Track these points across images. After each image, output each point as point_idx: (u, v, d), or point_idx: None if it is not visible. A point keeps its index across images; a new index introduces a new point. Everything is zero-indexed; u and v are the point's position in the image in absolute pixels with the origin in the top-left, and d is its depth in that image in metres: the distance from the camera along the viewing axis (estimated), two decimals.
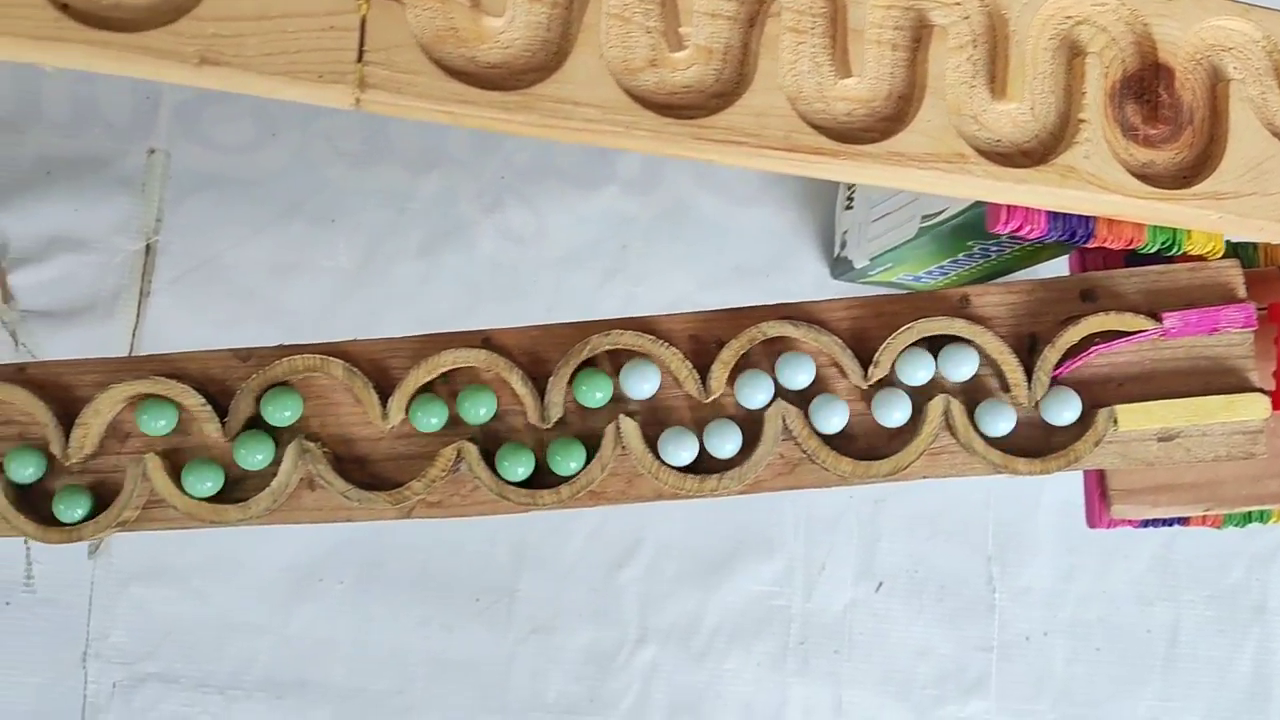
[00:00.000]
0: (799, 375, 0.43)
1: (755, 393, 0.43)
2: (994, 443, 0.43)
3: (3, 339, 0.60)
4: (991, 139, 0.39)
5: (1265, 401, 0.42)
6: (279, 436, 0.43)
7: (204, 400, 0.43)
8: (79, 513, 0.43)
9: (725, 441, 0.42)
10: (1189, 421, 0.43)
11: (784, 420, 0.43)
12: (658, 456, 0.43)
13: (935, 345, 0.43)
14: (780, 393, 0.43)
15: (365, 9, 0.33)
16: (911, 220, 0.51)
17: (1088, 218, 0.42)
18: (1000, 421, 0.42)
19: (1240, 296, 0.43)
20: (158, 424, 0.43)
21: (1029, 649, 0.63)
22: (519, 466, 0.43)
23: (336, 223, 0.62)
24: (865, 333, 0.44)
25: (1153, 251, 0.43)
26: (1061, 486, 0.63)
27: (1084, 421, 0.43)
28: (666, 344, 0.43)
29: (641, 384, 0.43)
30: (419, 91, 0.34)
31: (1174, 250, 0.43)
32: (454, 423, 0.43)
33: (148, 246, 0.61)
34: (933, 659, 0.62)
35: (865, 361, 0.43)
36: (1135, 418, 0.43)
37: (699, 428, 0.43)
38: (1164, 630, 0.64)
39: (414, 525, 0.58)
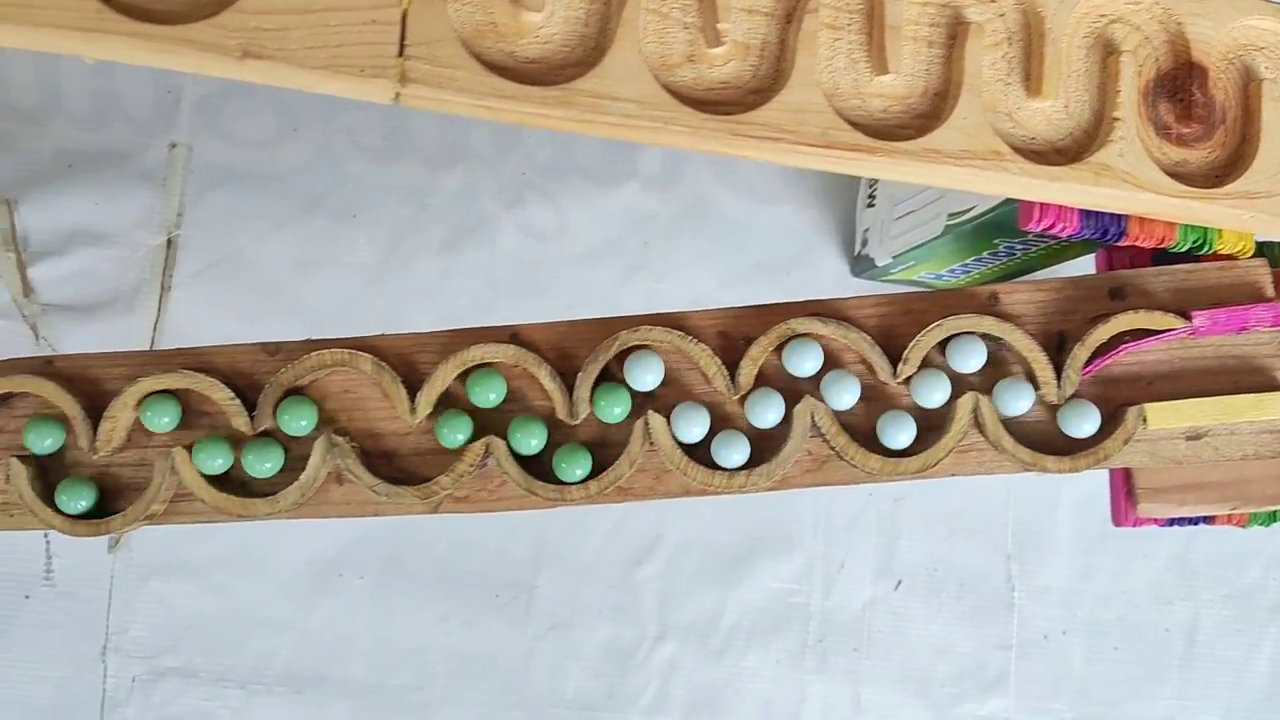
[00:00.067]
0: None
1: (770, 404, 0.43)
2: (1023, 440, 0.43)
3: (23, 333, 0.60)
4: (1026, 136, 0.39)
5: None
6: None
7: (232, 394, 0.43)
8: (82, 504, 0.43)
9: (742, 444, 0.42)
10: (1217, 420, 0.43)
11: (812, 417, 0.43)
12: (686, 452, 0.43)
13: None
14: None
15: (407, 3, 0.33)
16: (937, 218, 0.51)
17: (1120, 216, 0.42)
18: (1020, 401, 0.42)
19: (1269, 296, 0.43)
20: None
21: (1048, 648, 0.63)
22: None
23: (358, 218, 0.62)
24: (893, 330, 0.44)
25: (1183, 250, 0.43)
26: (1081, 485, 0.63)
27: (1113, 420, 0.43)
28: (695, 340, 0.43)
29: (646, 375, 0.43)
30: (459, 86, 0.34)
31: (1204, 249, 0.43)
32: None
33: (169, 241, 0.61)
34: (951, 657, 0.62)
35: (893, 358, 0.43)
36: (1164, 416, 0.43)
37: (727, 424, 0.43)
38: (1182, 629, 0.64)
39: (434, 521, 0.58)
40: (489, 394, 0.43)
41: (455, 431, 0.42)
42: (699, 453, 0.43)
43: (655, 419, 0.42)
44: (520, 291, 0.62)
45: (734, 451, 0.43)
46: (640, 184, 0.63)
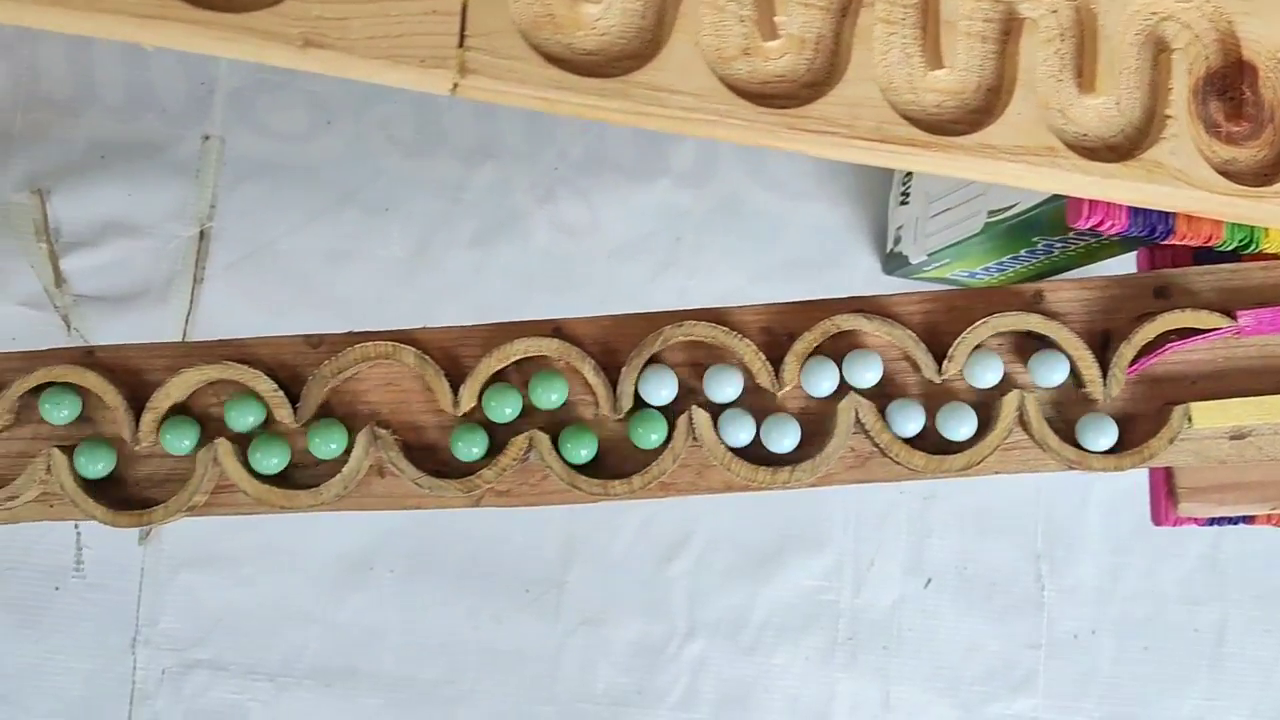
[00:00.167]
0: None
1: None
2: (1067, 438, 0.43)
3: (55, 323, 0.60)
4: (1078, 133, 0.39)
5: None
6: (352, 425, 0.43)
7: (275, 386, 0.43)
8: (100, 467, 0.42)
9: (784, 437, 0.42)
10: (1262, 419, 0.43)
11: (856, 413, 0.43)
12: (730, 448, 0.43)
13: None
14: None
15: None
16: (976, 215, 0.51)
17: (1167, 214, 0.42)
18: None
19: None
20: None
21: (1077, 647, 0.63)
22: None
23: (390, 211, 0.62)
24: (936, 327, 0.44)
25: (1229, 249, 0.43)
26: (1110, 484, 0.63)
27: (1158, 418, 0.43)
28: (740, 336, 0.43)
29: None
30: (518, 77, 0.34)
31: (1251, 248, 0.43)
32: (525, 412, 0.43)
33: (201, 233, 0.61)
34: (981, 656, 0.62)
35: (937, 356, 0.43)
36: (1209, 415, 0.43)
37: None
38: (1211, 629, 0.64)
39: (464, 515, 0.58)
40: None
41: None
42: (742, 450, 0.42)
43: (699, 414, 0.42)
44: (552, 286, 0.62)
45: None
46: (672, 180, 0.63)
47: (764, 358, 0.43)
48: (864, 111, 0.36)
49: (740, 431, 0.42)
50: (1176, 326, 0.42)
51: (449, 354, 0.44)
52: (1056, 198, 0.45)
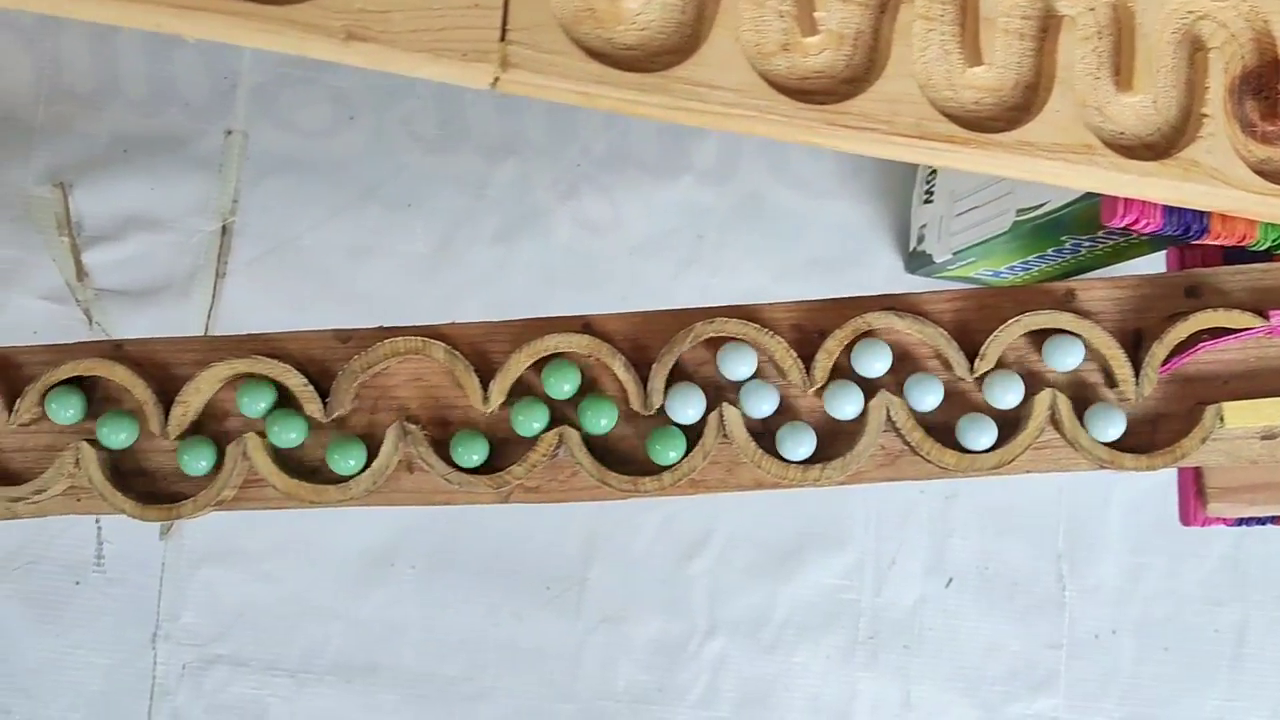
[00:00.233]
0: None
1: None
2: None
3: (77, 317, 0.60)
4: (1115, 131, 0.39)
5: None
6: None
7: (306, 380, 0.43)
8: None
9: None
10: None
11: (888, 411, 0.43)
12: (761, 446, 0.42)
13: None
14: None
15: None
16: (1004, 214, 0.51)
17: (1202, 213, 0.42)
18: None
19: None
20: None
21: (1097, 647, 0.63)
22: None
23: (413, 208, 0.62)
24: (967, 325, 0.43)
25: (1263, 249, 0.43)
26: (1132, 485, 0.63)
27: (1190, 418, 0.43)
28: (771, 333, 0.43)
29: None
30: (559, 72, 0.34)
31: None
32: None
33: (224, 227, 0.61)
34: (1002, 656, 0.62)
35: (968, 354, 0.43)
36: (1241, 415, 0.42)
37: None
38: (1231, 630, 0.64)
39: (485, 512, 0.58)
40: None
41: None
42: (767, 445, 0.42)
43: (730, 411, 0.42)
44: (574, 283, 0.62)
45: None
46: (695, 177, 0.63)
47: (795, 355, 0.43)
48: (903, 108, 0.36)
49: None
50: (1208, 326, 0.42)
51: (478, 349, 0.44)
52: (1088, 196, 0.45)
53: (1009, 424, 0.43)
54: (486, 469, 0.42)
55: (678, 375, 0.43)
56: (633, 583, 0.61)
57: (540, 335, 0.43)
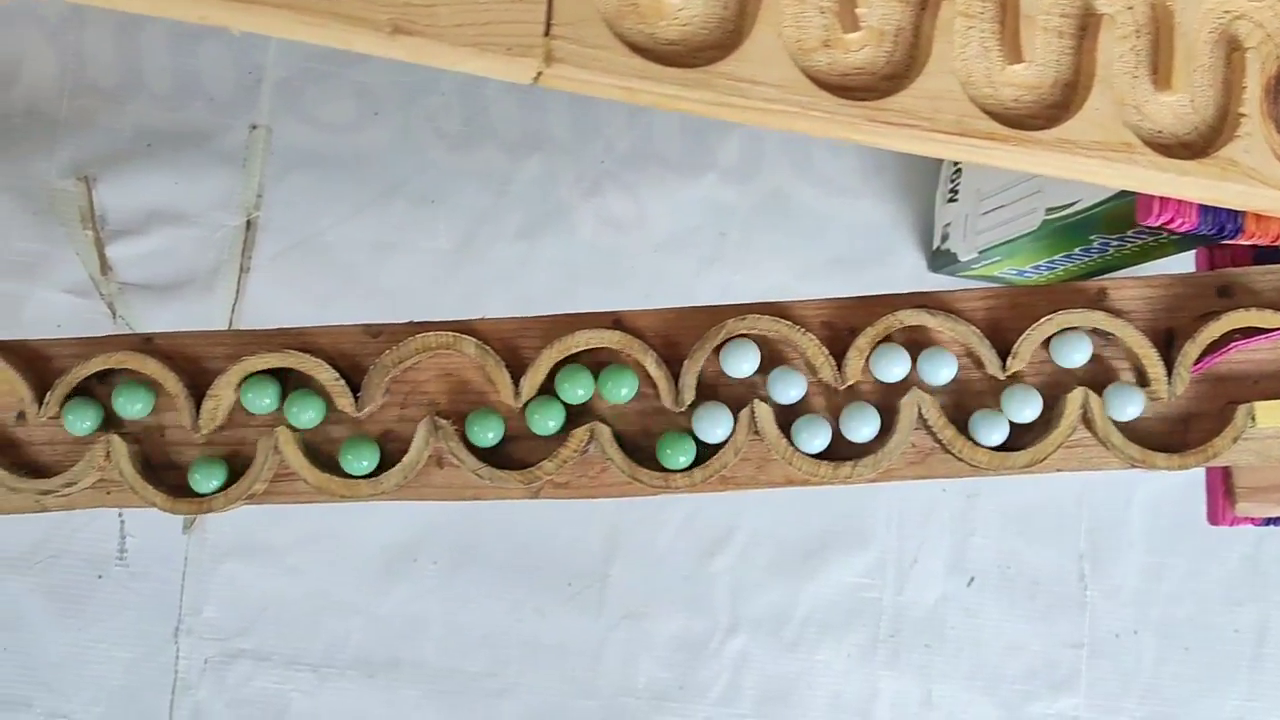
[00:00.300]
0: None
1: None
2: (1131, 436, 0.43)
3: (100, 311, 0.60)
4: (1153, 130, 0.39)
5: None
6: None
7: (338, 375, 0.43)
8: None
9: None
10: None
11: (919, 409, 0.43)
12: (792, 442, 0.42)
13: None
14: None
15: None
16: (1033, 212, 0.51)
17: (1236, 212, 0.42)
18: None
19: None
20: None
21: (1118, 647, 0.63)
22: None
23: (436, 204, 0.62)
24: (999, 323, 0.43)
25: None
26: (1154, 485, 0.63)
27: (1221, 417, 0.43)
28: (803, 330, 0.43)
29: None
30: (603, 67, 0.34)
31: None
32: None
33: (248, 222, 0.61)
34: (1023, 655, 0.62)
35: (1000, 352, 0.43)
36: (1273, 415, 0.43)
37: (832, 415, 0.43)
38: (1252, 630, 0.64)
39: (508, 508, 0.58)
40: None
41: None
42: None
43: (761, 408, 0.42)
44: (597, 280, 0.62)
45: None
46: (718, 175, 0.63)
47: (827, 352, 0.43)
48: (945, 105, 0.36)
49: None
50: (1241, 326, 0.42)
51: (509, 345, 0.44)
52: (1119, 195, 0.45)
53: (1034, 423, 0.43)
54: (509, 464, 0.42)
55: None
56: (654, 579, 0.61)
57: (571, 331, 0.43)
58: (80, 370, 0.43)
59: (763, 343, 0.43)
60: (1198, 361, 0.42)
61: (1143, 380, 0.42)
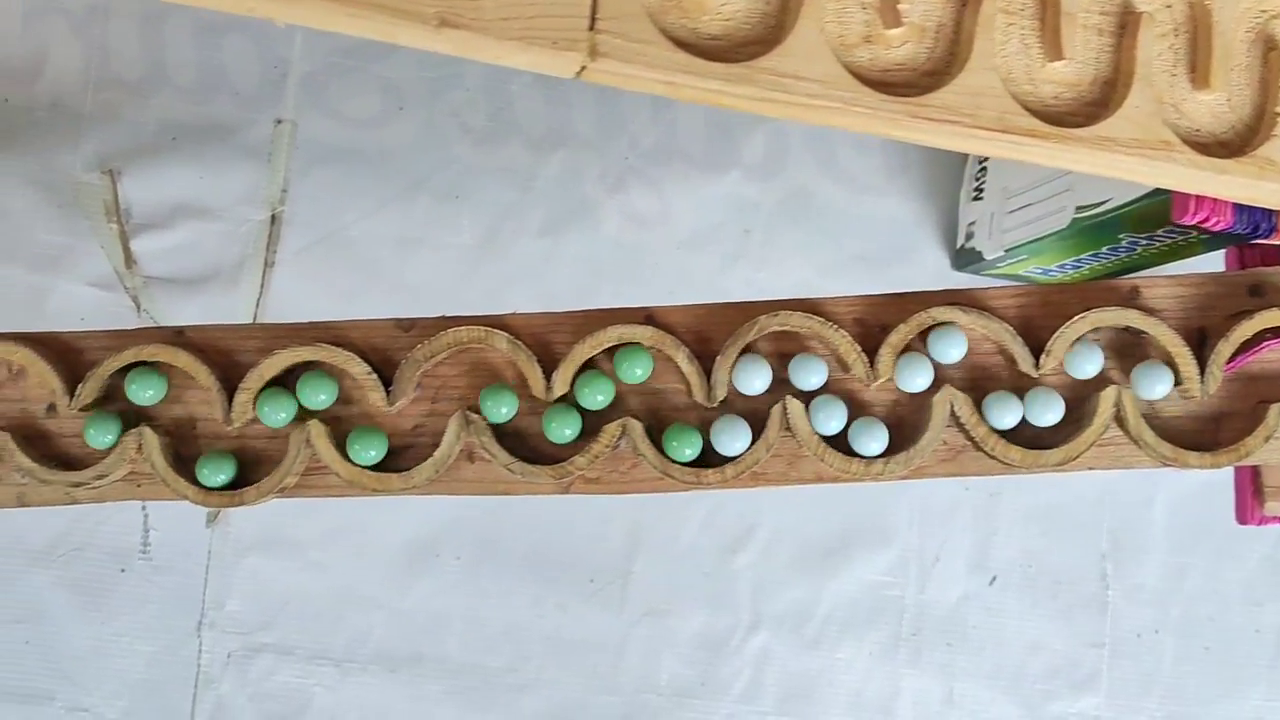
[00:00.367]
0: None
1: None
2: (1163, 435, 0.43)
3: (125, 304, 0.60)
4: (1191, 128, 0.39)
5: None
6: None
7: (370, 369, 0.43)
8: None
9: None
10: None
11: (951, 406, 0.43)
12: (824, 440, 0.42)
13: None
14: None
15: None
16: (1063, 210, 0.51)
17: (1270, 211, 0.42)
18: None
19: None
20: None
21: (1140, 646, 0.63)
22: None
23: (461, 199, 0.62)
24: (1031, 321, 0.44)
25: None
26: (1176, 485, 0.63)
27: (1253, 416, 0.43)
28: (835, 327, 0.43)
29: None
30: (647, 61, 0.34)
31: None
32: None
33: (273, 216, 0.61)
34: (1044, 654, 0.62)
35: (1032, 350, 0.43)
36: None
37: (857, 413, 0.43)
38: (1273, 630, 0.64)
39: (530, 504, 0.58)
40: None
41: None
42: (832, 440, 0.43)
43: (793, 404, 0.42)
44: (621, 276, 0.62)
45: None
46: (743, 172, 0.63)
47: (859, 349, 0.43)
48: (986, 101, 0.36)
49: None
50: (1273, 325, 0.42)
51: (540, 340, 0.44)
52: (1152, 194, 0.45)
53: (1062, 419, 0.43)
54: (538, 459, 0.42)
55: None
56: (676, 576, 0.61)
57: (603, 326, 0.43)
58: (112, 363, 0.43)
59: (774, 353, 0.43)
60: (1230, 360, 0.43)
61: (1177, 379, 0.42)
